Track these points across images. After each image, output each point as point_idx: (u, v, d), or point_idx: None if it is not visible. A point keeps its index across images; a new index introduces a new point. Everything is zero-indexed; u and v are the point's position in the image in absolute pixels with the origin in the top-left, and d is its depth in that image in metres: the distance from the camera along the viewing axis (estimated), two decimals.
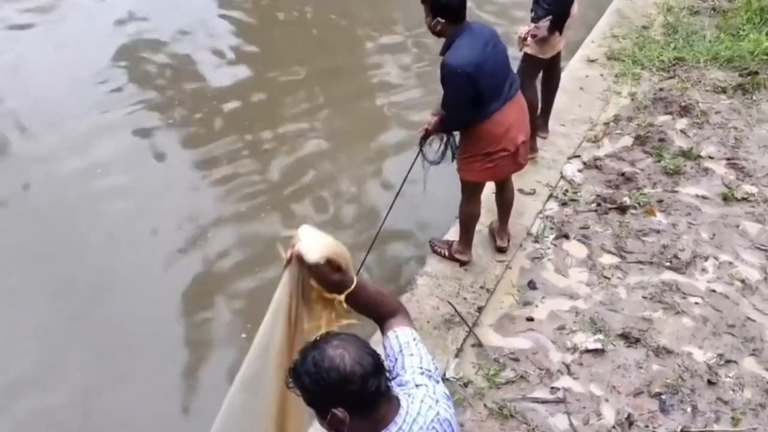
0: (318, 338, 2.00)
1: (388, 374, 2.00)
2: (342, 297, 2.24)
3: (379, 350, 2.13)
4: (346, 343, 1.94)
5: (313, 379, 1.90)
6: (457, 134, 4.41)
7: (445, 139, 4.45)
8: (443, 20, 3.91)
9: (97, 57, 7.20)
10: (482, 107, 4.02)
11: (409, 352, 2.21)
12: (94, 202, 5.44)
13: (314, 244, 2.18)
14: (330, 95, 6.83)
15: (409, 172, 4.56)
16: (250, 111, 6.60)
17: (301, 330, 2.35)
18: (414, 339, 2.25)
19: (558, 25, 5.08)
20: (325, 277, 2.20)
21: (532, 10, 5.15)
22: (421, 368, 2.17)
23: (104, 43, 7.42)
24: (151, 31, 7.70)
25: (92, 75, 6.91)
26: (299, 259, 2.18)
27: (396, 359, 2.21)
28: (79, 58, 7.17)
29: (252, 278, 4.87)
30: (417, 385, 2.11)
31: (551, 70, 5.56)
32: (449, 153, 4.46)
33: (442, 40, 4.03)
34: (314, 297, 2.30)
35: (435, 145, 4.47)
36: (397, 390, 2.08)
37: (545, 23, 5.03)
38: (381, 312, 2.32)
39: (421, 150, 4.49)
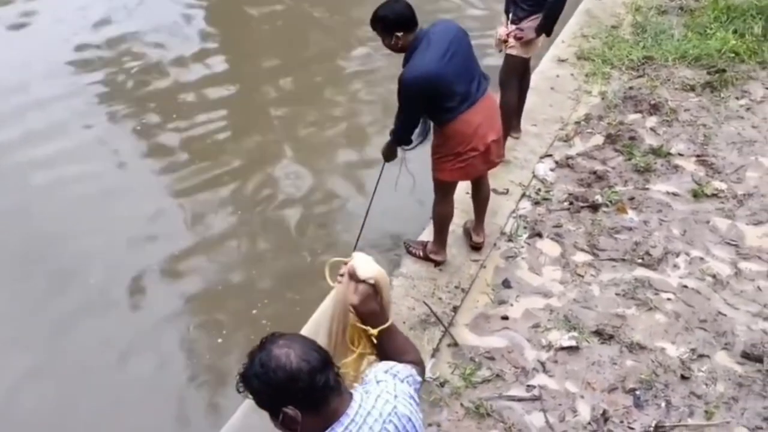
0: (263, 339, 2.00)
1: (336, 369, 2.01)
2: (375, 331, 2.31)
3: None
4: (291, 342, 1.95)
5: (262, 380, 1.91)
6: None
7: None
8: (401, 33, 3.95)
9: (64, 66, 7.21)
10: (450, 110, 4.04)
11: (384, 363, 2.25)
12: (64, 211, 5.41)
13: (368, 265, 2.32)
14: (303, 104, 6.82)
15: (377, 183, 4.60)
16: (222, 122, 6.58)
17: (339, 343, 2.45)
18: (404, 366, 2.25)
19: (548, 27, 5.08)
20: (367, 302, 2.29)
21: (508, 11, 5.15)
22: (387, 368, 2.19)
23: (70, 54, 7.39)
24: (122, 40, 7.69)
25: (62, 86, 6.91)
26: (351, 275, 2.29)
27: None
28: (48, 64, 7.16)
29: (225, 286, 4.88)
30: (377, 382, 2.12)
31: (524, 71, 5.59)
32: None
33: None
34: (351, 327, 2.41)
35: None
36: (356, 387, 2.10)
37: (531, 24, 5.03)
38: (402, 362, 2.31)
39: (382, 171, 4.56)
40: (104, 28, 7.85)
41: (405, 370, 2.22)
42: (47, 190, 5.62)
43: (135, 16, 8.15)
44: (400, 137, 4.25)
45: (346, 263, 2.34)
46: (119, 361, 4.35)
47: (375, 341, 2.33)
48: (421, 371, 2.34)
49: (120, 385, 4.22)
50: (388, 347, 2.34)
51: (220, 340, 4.47)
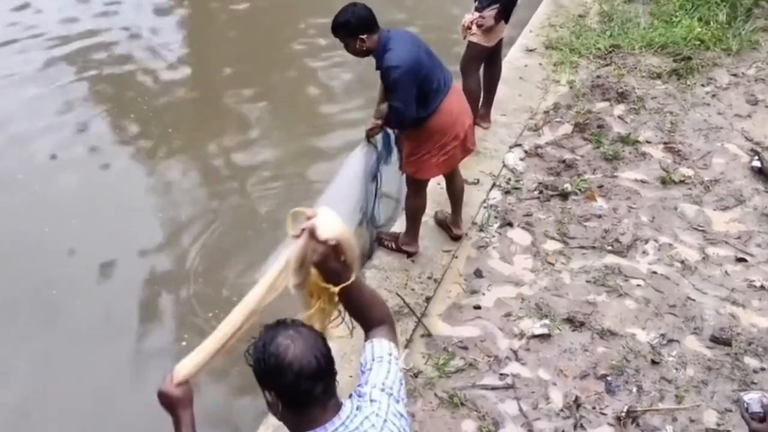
0: (284, 320, 2.01)
1: (335, 383, 1.99)
2: (336, 289, 2.21)
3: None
4: (298, 336, 1.94)
5: (257, 357, 1.95)
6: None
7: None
8: (365, 35, 3.98)
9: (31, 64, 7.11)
10: (429, 102, 4.11)
11: (378, 367, 2.19)
12: (34, 215, 5.32)
13: (330, 224, 2.15)
14: (271, 101, 6.79)
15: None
16: (189, 119, 6.54)
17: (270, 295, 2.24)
18: (390, 354, 2.22)
19: (506, 14, 5.17)
20: (327, 261, 2.17)
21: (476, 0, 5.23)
22: (383, 384, 2.14)
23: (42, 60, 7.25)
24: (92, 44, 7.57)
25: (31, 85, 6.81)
26: (311, 233, 2.14)
27: (366, 371, 2.19)
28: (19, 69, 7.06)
29: (188, 292, 4.80)
30: (371, 401, 2.09)
31: (493, 60, 5.62)
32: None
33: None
34: (311, 283, 2.27)
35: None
36: (353, 399, 2.08)
37: (491, 12, 5.11)
38: (369, 317, 2.30)
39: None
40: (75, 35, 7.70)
41: (396, 378, 2.18)
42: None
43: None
44: (404, 114, 4.07)
45: (309, 217, 2.17)
46: (77, 366, 4.28)
47: (337, 299, 2.27)
48: (393, 331, 2.31)
49: (77, 390, 4.17)
50: (353, 304, 2.28)
51: (183, 344, 4.37)
